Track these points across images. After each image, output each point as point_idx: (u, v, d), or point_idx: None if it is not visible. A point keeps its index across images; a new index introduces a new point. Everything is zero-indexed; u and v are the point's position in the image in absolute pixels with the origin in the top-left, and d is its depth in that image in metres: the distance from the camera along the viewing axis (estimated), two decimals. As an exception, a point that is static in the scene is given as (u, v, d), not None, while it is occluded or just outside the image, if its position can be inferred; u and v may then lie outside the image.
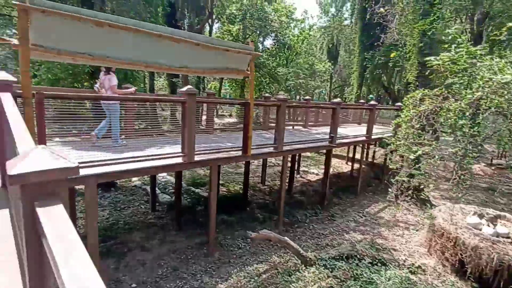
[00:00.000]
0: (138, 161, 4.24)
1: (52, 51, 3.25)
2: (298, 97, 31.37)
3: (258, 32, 21.86)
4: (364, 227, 7.47)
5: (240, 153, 5.54)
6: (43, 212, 1.05)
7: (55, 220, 1.01)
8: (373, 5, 15.30)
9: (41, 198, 1.13)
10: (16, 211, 2.53)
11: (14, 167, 1.08)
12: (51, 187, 1.15)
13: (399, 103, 11.65)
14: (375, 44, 18.24)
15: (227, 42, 5.11)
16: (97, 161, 3.88)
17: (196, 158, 4.84)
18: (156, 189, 7.62)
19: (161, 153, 4.55)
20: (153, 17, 7.92)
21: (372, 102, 10.17)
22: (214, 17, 20.59)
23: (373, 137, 9.63)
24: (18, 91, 3.12)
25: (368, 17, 17.14)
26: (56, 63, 7.44)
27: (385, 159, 11.38)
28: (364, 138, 9.35)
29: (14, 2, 2.88)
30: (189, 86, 4.57)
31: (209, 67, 4.76)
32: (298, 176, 11.37)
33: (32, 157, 1.13)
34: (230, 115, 27.52)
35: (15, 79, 3.12)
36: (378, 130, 10.69)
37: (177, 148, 4.83)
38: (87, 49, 3.51)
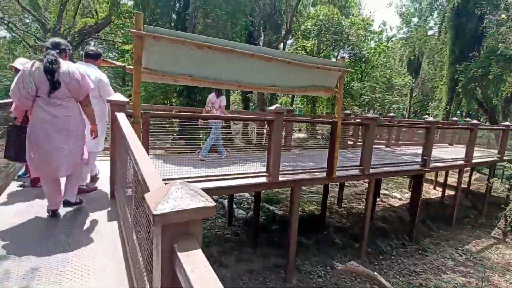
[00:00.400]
0: (224, 179, 4.27)
1: (158, 73, 3.48)
2: (371, 112, 29.54)
3: (332, 46, 21.41)
4: (465, 268, 6.35)
5: (324, 174, 5.23)
6: (185, 258, 0.96)
7: (199, 270, 0.91)
8: (488, 11, 13.60)
9: (180, 238, 1.05)
10: (124, 222, 2.67)
11: (156, 205, 1.02)
12: (189, 226, 1.07)
13: (506, 122, 9.95)
14: (470, 54, 16.21)
15: (316, 59, 4.94)
16: (187, 177, 4.00)
17: (281, 178, 4.69)
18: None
19: (246, 171, 4.52)
20: (237, 37, 8.29)
21: (474, 122, 8.86)
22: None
23: (474, 161, 8.31)
24: (129, 111, 3.40)
25: (470, 25, 15.35)
26: (151, 82, 8.22)
27: (487, 187, 9.76)
28: (462, 162, 8.13)
29: (131, 30, 3.16)
30: (277, 105, 4.48)
31: (298, 85, 4.63)
32: (379, 200, 10.44)
33: (172, 195, 1.06)
34: (300, 130, 27.20)
35: (128, 100, 3.41)
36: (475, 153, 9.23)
37: (259, 167, 4.76)
38: (187, 71, 3.68)
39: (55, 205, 2.86)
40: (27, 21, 21.89)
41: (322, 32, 19.20)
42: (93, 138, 3.10)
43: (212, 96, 6.07)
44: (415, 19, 29.34)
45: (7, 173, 3.82)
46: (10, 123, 3.01)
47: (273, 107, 4.48)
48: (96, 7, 14.10)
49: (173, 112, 4.02)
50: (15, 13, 20.03)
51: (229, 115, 6.34)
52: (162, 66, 3.50)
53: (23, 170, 4.04)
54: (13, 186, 3.65)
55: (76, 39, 13.38)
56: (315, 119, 10.05)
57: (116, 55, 21.64)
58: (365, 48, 21.47)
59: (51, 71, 2.54)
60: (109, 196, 3.51)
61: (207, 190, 4.15)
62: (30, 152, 2.68)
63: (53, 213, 2.88)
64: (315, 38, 19.70)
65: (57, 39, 2.88)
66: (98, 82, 3.49)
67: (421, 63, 31.20)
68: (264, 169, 4.70)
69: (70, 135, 2.73)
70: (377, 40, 28.13)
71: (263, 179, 4.61)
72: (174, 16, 7.51)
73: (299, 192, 5.12)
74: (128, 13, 8.52)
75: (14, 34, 22.66)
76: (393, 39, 30.76)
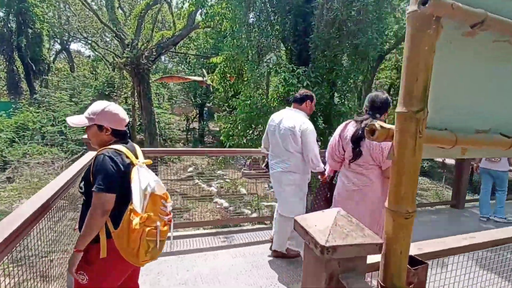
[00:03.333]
0: None
1: (457, 137, 1.13)
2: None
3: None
4: None
5: None
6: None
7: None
8: None
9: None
10: None
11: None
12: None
13: None
14: None
15: None
16: None
17: None
18: None
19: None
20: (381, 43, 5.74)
21: None
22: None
23: None
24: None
25: None
26: (250, 105, 6.16)
27: None
28: None
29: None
30: None
31: None
32: None
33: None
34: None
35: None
36: None
37: None
38: (497, 121, 1.27)
39: None
40: (107, 39, 22.49)
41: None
42: None
43: None
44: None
45: None
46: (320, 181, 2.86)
47: None
48: (175, 18, 12.91)
49: None
50: (97, 31, 20.55)
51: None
52: (454, 116, 1.16)
53: None
54: None
55: (154, 53, 12.27)
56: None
57: (187, 68, 20.92)
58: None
59: (356, 140, 2.31)
60: None
61: None
62: None
63: None
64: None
65: (372, 95, 2.37)
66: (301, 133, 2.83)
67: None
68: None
69: (366, 207, 2.35)
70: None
71: None
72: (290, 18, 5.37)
73: None
74: (218, 15, 6.64)
75: (96, 53, 23.58)
76: None
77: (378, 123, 1.01)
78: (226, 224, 4.10)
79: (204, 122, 20.59)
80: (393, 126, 1.01)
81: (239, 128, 5.91)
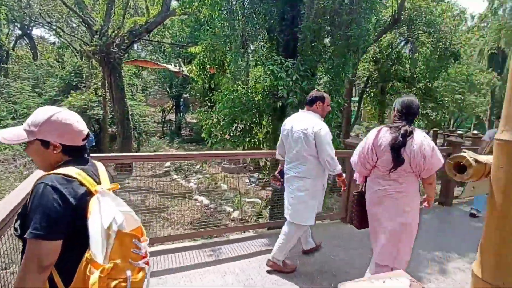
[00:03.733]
0: None
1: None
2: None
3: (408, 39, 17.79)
4: None
5: None
6: None
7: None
8: None
9: None
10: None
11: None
12: None
13: None
14: None
15: None
16: None
17: None
18: None
19: None
20: (369, 34, 5.48)
21: None
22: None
23: None
24: None
25: None
26: (236, 96, 5.74)
27: None
28: None
29: None
30: None
31: None
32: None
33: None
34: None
35: None
36: None
37: None
38: None
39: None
40: (74, 25, 20.90)
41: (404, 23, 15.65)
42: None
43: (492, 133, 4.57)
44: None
45: None
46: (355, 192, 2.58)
47: None
48: (148, 4, 12.07)
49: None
50: (62, 16, 19.04)
51: None
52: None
53: None
54: None
55: (126, 41, 11.43)
56: None
57: (162, 58, 19.96)
58: (457, 41, 17.56)
59: (397, 148, 2.15)
60: None
61: None
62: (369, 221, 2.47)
63: None
64: (395, 30, 16.22)
65: (406, 100, 2.24)
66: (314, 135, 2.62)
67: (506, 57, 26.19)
68: None
69: (397, 214, 2.26)
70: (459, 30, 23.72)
71: None
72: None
73: None
74: (197, 0, 6.10)
75: (62, 40, 21.88)
76: (474, 29, 26.12)
77: (470, 156, 0.69)
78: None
79: (181, 114, 19.82)
80: (490, 159, 0.69)
81: (222, 124, 5.50)
